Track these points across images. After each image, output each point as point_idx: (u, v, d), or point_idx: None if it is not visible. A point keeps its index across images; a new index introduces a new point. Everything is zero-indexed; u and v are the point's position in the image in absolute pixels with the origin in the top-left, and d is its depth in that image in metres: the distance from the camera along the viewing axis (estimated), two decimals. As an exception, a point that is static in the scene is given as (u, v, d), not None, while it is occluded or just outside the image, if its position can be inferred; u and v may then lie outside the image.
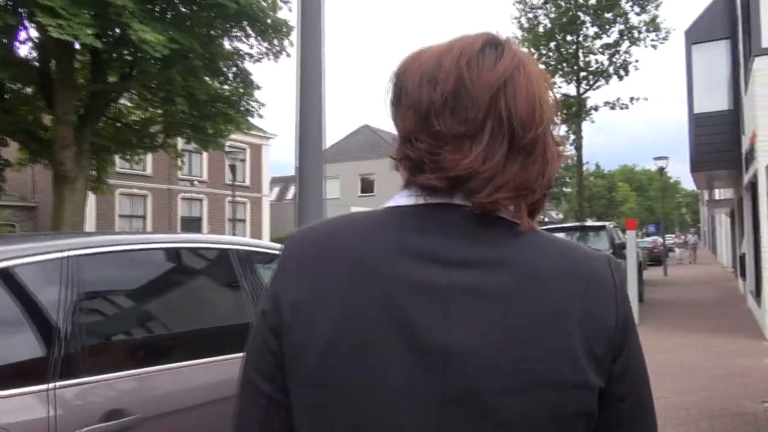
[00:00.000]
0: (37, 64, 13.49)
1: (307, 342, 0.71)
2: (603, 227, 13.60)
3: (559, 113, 0.78)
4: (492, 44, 0.75)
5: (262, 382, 0.75)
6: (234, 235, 27.81)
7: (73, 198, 13.86)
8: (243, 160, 30.98)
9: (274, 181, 52.89)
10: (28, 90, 14.50)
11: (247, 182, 31.10)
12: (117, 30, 11.81)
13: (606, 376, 0.71)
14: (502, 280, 0.69)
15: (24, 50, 13.79)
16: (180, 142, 18.72)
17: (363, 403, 0.68)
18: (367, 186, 40.74)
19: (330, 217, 0.86)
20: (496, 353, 0.67)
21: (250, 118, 16.56)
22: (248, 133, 30.68)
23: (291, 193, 46.89)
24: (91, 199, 23.21)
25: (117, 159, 18.24)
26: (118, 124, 16.60)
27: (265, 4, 13.89)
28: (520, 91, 0.72)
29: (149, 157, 25.46)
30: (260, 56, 14.65)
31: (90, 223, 23.17)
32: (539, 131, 0.73)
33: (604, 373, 0.71)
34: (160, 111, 15.49)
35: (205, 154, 27.20)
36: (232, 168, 19.48)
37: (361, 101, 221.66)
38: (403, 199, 0.76)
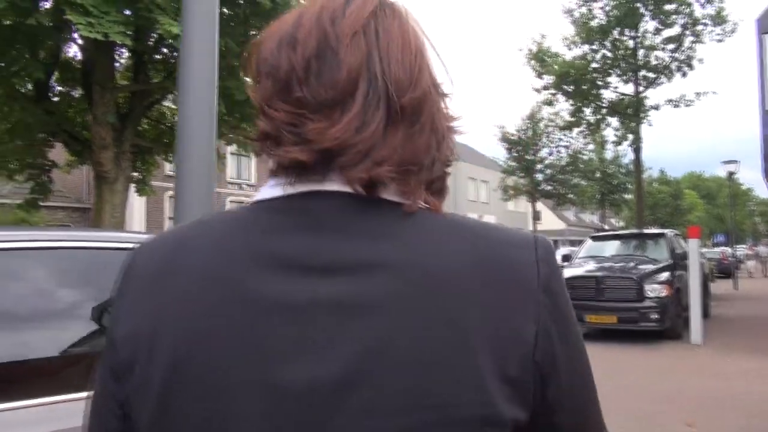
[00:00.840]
0: (79, 66, 13.64)
1: (146, 385, 0.57)
2: (662, 235, 12.54)
3: (447, 80, 0.65)
4: (359, 1, 0.63)
5: None
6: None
7: (112, 199, 13.95)
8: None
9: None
10: (75, 92, 14.76)
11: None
12: (155, 33, 11.71)
13: (529, 405, 0.56)
14: (380, 287, 0.55)
15: (71, 51, 14.01)
16: (225, 146, 18.60)
17: None
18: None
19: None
20: (375, 388, 0.53)
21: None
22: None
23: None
24: (141, 201, 23.68)
25: (165, 162, 18.32)
26: (161, 126, 16.72)
27: (303, 1, 13.60)
28: (399, 48, 0.61)
29: (199, 160, 25.83)
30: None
31: (140, 224, 23.61)
32: (418, 93, 0.60)
33: (523, 401, 0.56)
34: (201, 112, 15.49)
35: (253, 158, 27.37)
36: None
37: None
38: (269, 189, 0.63)
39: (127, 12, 10.81)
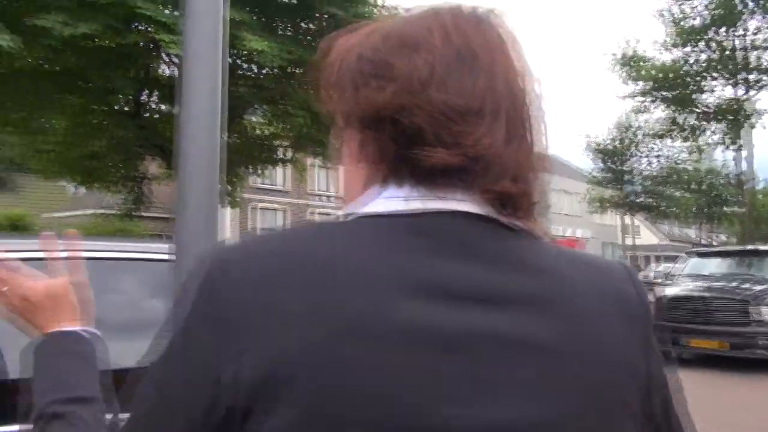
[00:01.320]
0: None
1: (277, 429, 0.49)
2: (774, 252, 11.25)
3: (540, 91, 0.63)
4: (473, 11, 0.62)
5: None
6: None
7: (198, 209, 14.45)
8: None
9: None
10: (166, 107, 15.47)
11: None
12: (241, 50, 12.01)
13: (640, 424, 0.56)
14: (543, 324, 0.52)
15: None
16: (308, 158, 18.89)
17: None
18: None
19: (275, 230, 0.59)
20: (565, 427, 0.51)
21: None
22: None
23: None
24: (229, 212, 24.54)
25: (253, 175, 18.85)
26: (246, 140, 17.19)
27: (384, 12, 13.54)
28: (513, 61, 0.60)
29: (287, 173, 26.46)
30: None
31: (229, 235, 24.48)
32: (527, 106, 0.60)
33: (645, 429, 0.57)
34: (283, 126, 15.74)
35: (339, 170, 27.78)
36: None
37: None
38: (385, 202, 0.56)
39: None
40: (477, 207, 0.55)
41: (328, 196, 27.94)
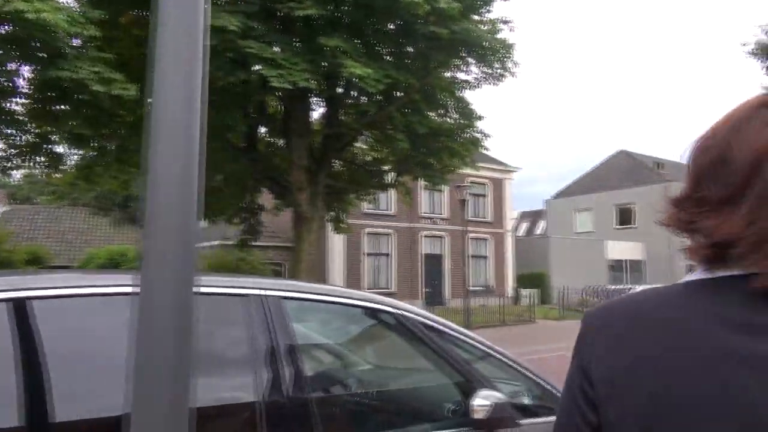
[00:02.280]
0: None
1: (624, 417, 0.71)
2: None
3: None
4: (761, 108, 0.74)
5: None
6: (470, 271, 27.15)
7: (309, 237, 14.72)
8: (484, 196, 30.48)
9: (525, 216, 51.85)
10: (277, 141, 16.09)
11: (489, 218, 30.41)
12: (341, 78, 12.18)
13: None
14: None
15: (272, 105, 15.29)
16: (412, 181, 18.76)
17: None
18: (625, 217, 36.87)
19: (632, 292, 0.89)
20: None
21: (480, 150, 15.80)
22: (486, 167, 30.27)
23: (540, 228, 44.97)
24: (341, 239, 25.00)
25: (363, 200, 19.07)
26: (353, 167, 17.42)
27: (483, 27, 13.18)
28: None
29: (393, 197, 26.56)
30: (479, 82, 13.89)
31: (339, 260, 24.90)
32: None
33: None
34: (387, 150, 15.75)
35: (446, 192, 27.35)
36: (462, 203, 18.94)
37: (616, 124, 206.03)
38: (699, 273, 0.76)
39: (314, 60, 11.37)
40: (748, 270, 0.70)
41: (433, 219, 27.63)
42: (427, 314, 2.66)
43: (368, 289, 25.65)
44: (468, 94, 19.47)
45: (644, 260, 35.31)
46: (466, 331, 2.76)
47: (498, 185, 31.08)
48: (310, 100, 14.20)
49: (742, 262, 0.68)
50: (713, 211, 0.71)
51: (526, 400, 2.63)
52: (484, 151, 16.64)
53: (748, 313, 0.68)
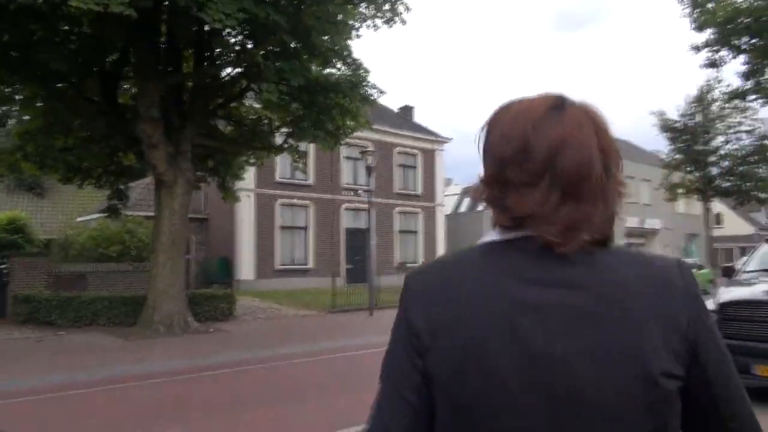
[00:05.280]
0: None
1: (442, 357, 0.86)
2: None
3: (619, 161, 0.92)
4: (558, 107, 0.90)
5: (412, 395, 0.89)
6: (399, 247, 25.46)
7: (171, 203, 12.66)
8: (414, 167, 28.75)
9: (468, 191, 50.47)
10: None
11: (419, 191, 28.75)
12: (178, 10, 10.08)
13: (685, 366, 0.84)
14: (586, 296, 0.84)
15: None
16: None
17: (492, 402, 0.82)
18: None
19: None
20: (591, 357, 0.81)
21: (369, 106, 13.88)
22: (416, 137, 28.49)
23: (466, 204, 43.67)
24: (250, 210, 22.93)
25: (248, 165, 16.99)
26: (240, 126, 15.35)
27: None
28: (572, 153, 0.86)
29: (311, 166, 24.55)
30: (364, 24, 11.94)
31: (249, 233, 22.86)
32: (593, 181, 0.86)
33: (683, 363, 0.84)
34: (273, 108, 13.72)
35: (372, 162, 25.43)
36: (369, 170, 17.11)
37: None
38: (492, 235, 0.92)
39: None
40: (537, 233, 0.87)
41: (355, 190, 25.74)
42: None
43: (282, 265, 23.77)
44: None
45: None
46: None
47: (429, 157, 29.35)
48: (160, 39, 12.01)
49: (532, 228, 0.86)
50: (515, 191, 0.87)
51: None
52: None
53: (533, 269, 0.86)
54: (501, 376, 0.81)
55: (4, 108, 13.10)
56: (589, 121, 0.89)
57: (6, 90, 12.29)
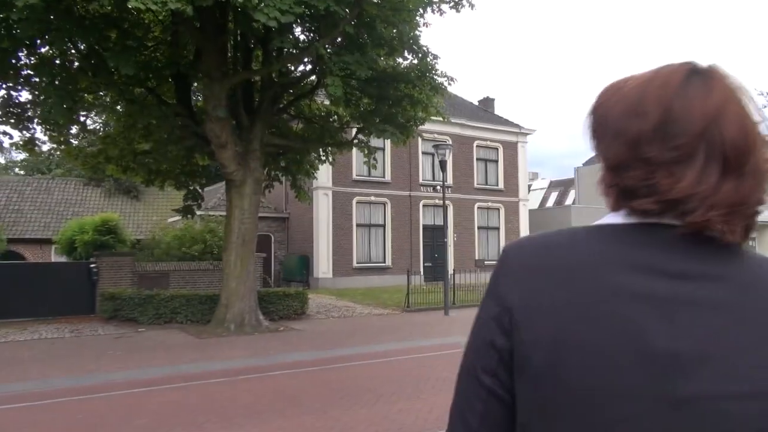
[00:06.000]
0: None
1: (535, 342, 0.75)
2: None
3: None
4: (697, 73, 0.78)
5: (486, 376, 0.80)
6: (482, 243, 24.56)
7: (241, 203, 12.73)
8: (495, 161, 27.74)
9: (554, 185, 48.31)
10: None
11: (501, 185, 27.70)
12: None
13: None
14: (723, 292, 0.72)
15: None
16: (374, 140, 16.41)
17: (591, 404, 0.71)
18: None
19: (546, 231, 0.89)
20: (724, 360, 0.69)
21: (441, 96, 13.31)
22: (497, 129, 27.44)
23: (570, 198, 41.63)
24: (327, 208, 22.97)
25: (320, 162, 16.90)
26: (311, 123, 15.26)
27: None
28: (733, 122, 0.74)
29: (388, 163, 24.27)
30: (430, 8, 11.38)
31: (326, 231, 22.90)
32: (746, 150, 0.74)
33: None
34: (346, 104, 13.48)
35: (450, 157, 24.78)
36: (442, 164, 16.47)
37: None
38: (614, 218, 0.81)
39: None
40: (678, 220, 0.75)
41: (433, 186, 25.08)
42: None
43: (358, 263, 23.64)
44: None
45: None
46: None
47: (511, 149, 28.21)
48: (227, 36, 12.05)
49: (687, 215, 0.73)
50: (663, 170, 0.75)
51: None
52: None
53: (666, 259, 0.74)
54: (609, 374, 0.71)
55: (90, 113, 13.70)
56: (738, 87, 0.78)
57: (88, 96, 12.81)
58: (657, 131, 0.75)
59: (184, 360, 9.30)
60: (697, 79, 0.77)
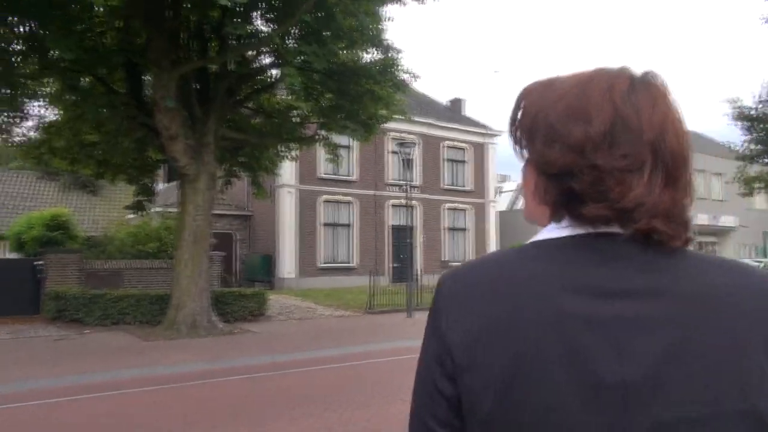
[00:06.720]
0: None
1: (483, 387, 0.72)
2: None
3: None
4: (640, 80, 0.77)
5: (438, 427, 0.75)
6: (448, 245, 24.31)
7: (195, 198, 12.11)
8: (463, 162, 27.51)
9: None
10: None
11: (469, 186, 27.48)
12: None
13: None
14: (669, 308, 0.70)
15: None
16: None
17: None
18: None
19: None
20: (677, 384, 0.67)
21: (403, 93, 12.92)
22: (466, 130, 27.21)
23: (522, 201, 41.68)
24: (292, 206, 22.40)
25: (280, 158, 16.34)
26: (271, 117, 14.71)
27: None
28: (675, 133, 0.75)
29: (354, 160, 23.81)
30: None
31: (290, 231, 22.33)
32: (685, 161, 0.76)
33: None
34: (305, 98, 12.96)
35: (418, 157, 24.44)
36: (408, 163, 16.09)
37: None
38: (555, 231, 0.77)
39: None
40: (622, 229, 0.73)
41: (400, 186, 24.69)
42: None
43: (324, 263, 23.11)
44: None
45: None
46: None
47: (480, 151, 28.02)
48: (179, 23, 11.44)
49: (634, 222, 0.72)
50: (615, 179, 0.72)
51: None
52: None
53: (608, 272, 0.72)
54: (563, 412, 0.68)
55: (33, 103, 12.93)
56: (674, 97, 0.78)
57: (30, 83, 12.06)
58: (605, 138, 0.73)
59: (125, 364, 8.70)
60: (641, 87, 0.76)
